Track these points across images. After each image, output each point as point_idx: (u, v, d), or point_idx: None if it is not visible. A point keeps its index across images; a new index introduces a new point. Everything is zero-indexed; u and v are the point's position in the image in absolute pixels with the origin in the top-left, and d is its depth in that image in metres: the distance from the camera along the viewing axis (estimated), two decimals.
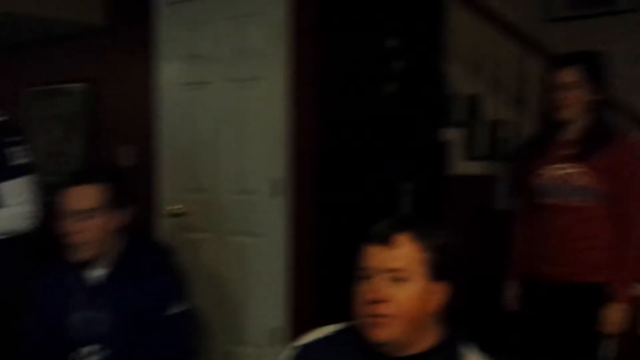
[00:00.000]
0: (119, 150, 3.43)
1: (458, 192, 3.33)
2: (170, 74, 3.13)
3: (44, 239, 2.04)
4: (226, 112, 2.95)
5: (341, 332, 1.28)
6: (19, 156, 2.16)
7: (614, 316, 2.08)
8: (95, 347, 1.77)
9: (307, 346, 1.29)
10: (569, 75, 2.16)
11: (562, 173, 2.16)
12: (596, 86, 2.17)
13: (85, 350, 1.78)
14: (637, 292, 2.12)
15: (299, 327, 2.56)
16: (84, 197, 1.72)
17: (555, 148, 2.22)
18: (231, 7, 2.88)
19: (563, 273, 2.15)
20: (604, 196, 2.12)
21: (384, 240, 1.20)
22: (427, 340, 1.22)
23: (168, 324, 1.77)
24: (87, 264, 1.78)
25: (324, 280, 2.69)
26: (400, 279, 1.18)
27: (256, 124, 2.86)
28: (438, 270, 1.20)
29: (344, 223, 2.68)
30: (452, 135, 3.40)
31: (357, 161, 2.83)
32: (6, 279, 2.18)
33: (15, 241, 2.17)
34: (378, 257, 1.20)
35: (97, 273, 1.80)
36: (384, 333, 1.17)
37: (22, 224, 2.14)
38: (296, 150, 2.77)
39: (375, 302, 1.17)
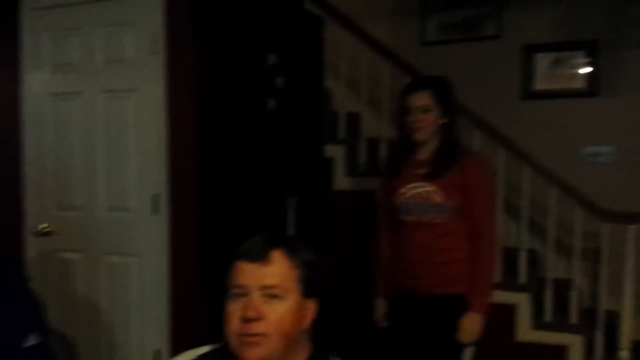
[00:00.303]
0: None
1: (340, 207, 3.40)
2: (37, 84, 2.92)
3: None
4: (100, 124, 2.80)
5: (213, 353, 1.25)
6: None
7: (471, 325, 2.20)
8: None
9: None
10: (420, 99, 2.27)
11: (419, 191, 2.27)
12: (446, 109, 2.30)
13: None
14: (493, 301, 2.26)
15: (182, 348, 2.47)
16: None
17: (411, 167, 2.32)
18: (105, 15, 2.75)
19: (425, 286, 2.25)
20: (458, 212, 2.24)
21: (259, 257, 1.18)
22: (299, 356, 1.21)
23: (25, 358, 1.63)
24: None
25: (207, 299, 2.62)
26: (275, 296, 1.17)
27: (133, 138, 2.74)
28: (309, 287, 1.20)
29: (227, 239, 2.63)
30: (335, 151, 3.48)
31: (240, 176, 2.79)
32: None
33: None
34: (253, 274, 1.18)
35: None
36: (258, 352, 1.15)
37: None
38: (176, 165, 2.68)
39: (250, 320, 1.15)
